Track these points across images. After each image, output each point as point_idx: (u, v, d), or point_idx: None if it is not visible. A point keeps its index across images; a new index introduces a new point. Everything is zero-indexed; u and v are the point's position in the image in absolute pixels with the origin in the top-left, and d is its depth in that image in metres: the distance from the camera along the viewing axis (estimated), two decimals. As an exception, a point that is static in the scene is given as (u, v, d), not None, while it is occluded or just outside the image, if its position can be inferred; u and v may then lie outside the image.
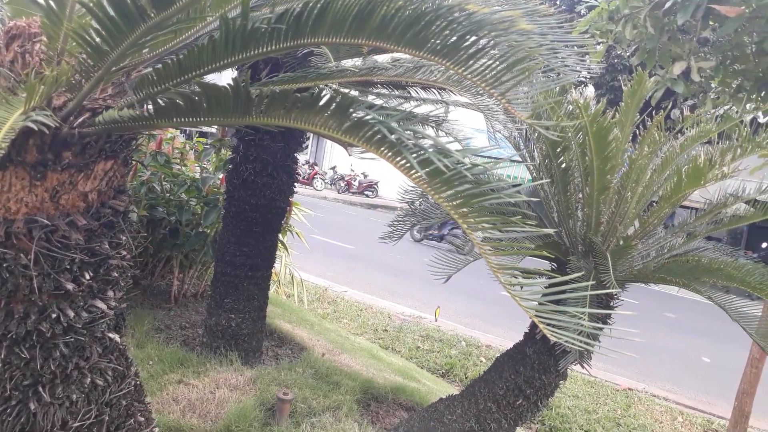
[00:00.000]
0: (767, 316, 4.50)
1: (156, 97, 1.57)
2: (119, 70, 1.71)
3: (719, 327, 10.78)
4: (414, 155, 1.03)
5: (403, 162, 1.10)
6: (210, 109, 1.43)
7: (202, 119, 1.51)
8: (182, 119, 1.55)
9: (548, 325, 1.15)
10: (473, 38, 1.18)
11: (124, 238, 1.79)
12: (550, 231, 1.17)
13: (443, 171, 1.02)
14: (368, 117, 1.06)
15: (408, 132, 1.04)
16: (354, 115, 1.08)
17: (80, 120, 1.64)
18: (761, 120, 6.71)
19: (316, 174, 25.64)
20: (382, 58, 3.35)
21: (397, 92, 4.08)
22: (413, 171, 1.10)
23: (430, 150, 1.02)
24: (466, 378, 6.23)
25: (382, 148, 1.11)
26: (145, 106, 1.60)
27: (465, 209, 1.09)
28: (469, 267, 3.83)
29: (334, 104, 1.10)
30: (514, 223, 1.06)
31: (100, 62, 1.58)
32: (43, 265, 1.54)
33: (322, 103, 1.11)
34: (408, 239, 15.13)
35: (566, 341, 1.13)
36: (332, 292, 8.76)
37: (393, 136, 1.04)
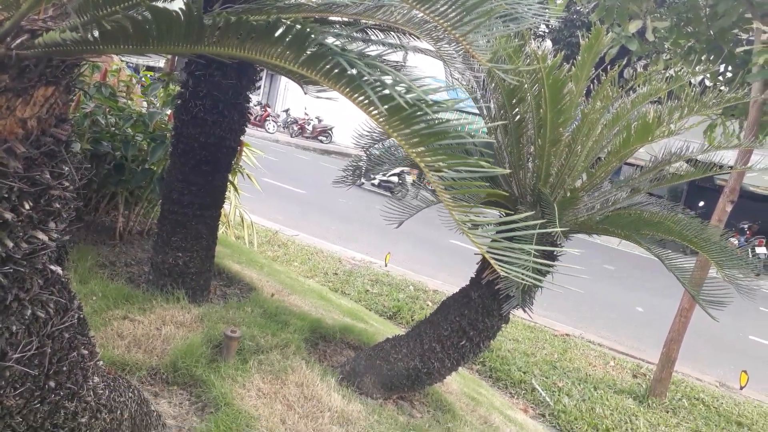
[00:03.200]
0: (699, 268, 4.77)
1: (101, 20, 1.48)
2: (61, -12, 1.60)
3: (654, 280, 11.36)
4: (374, 91, 1.02)
5: (362, 98, 1.08)
6: (160, 35, 1.35)
7: (152, 47, 1.44)
8: (130, 46, 1.47)
9: (498, 260, 1.18)
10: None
11: (66, 168, 1.72)
12: (505, 171, 1.19)
13: (403, 108, 1.01)
14: (327, 49, 1.03)
15: (368, 67, 1.02)
16: (311, 46, 1.05)
17: (18, 41, 1.53)
18: (708, 83, 6.92)
19: (268, 116, 25.05)
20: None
21: (356, 34, 3.98)
22: (372, 108, 1.08)
23: (391, 85, 1.00)
24: (412, 320, 6.40)
25: (341, 83, 1.08)
26: (90, 30, 1.51)
27: (422, 148, 1.08)
28: (420, 216, 3.87)
29: (291, 34, 1.06)
30: (469, 162, 1.07)
31: (39, -22, 1.47)
32: (-22, 193, 1.47)
33: (278, 32, 1.07)
34: (361, 186, 15.16)
35: (514, 276, 1.16)
36: (283, 236, 8.74)
37: (353, 70, 1.02)
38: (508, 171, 1.22)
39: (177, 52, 1.37)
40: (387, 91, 1.01)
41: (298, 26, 1.03)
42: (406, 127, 1.07)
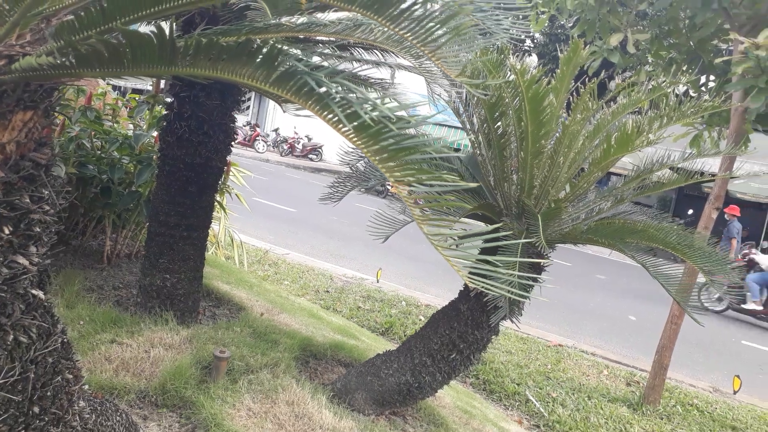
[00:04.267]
0: (687, 275, 4.80)
1: (77, 45, 1.50)
2: (38, 15, 1.62)
3: (646, 288, 11.39)
4: (341, 108, 1.04)
5: (331, 116, 1.10)
6: (134, 58, 1.38)
7: (127, 69, 1.46)
8: (106, 69, 1.49)
9: (477, 275, 1.19)
10: (405, -6, 1.18)
11: (46, 192, 1.73)
12: (473, 185, 1.20)
13: (370, 125, 1.03)
14: (296, 69, 1.05)
15: (336, 86, 1.04)
16: (281, 66, 1.07)
17: (-4, 67, 1.55)
18: (692, 94, 7.02)
19: (258, 136, 25.11)
20: (323, 17, 3.29)
21: (341, 53, 4.02)
22: (342, 125, 1.10)
23: (357, 103, 1.02)
24: (404, 336, 6.38)
25: (311, 101, 1.10)
26: (66, 54, 1.53)
27: (392, 163, 1.10)
28: (410, 232, 3.88)
29: (261, 55, 1.08)
30: (439, 177, 1.09)
31: (15, 5, 1.50)
32: (-43, 219, 1.48)
33: (248, 53, 1.10)
34: (350, 202, 15.21)
35: (484, 288, 1.18)
36: (273, 255, 8.72)
37: (321, 89, 1.04)
38: (476, 185, 1.23)
39: (152, 74, 1.39)
40: (353, 109, 1.03)
41: (267, 48, 1.06)
42: (374, 143, 1.09)
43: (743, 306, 10.57)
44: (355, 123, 1.04)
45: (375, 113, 1.01)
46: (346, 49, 4.05)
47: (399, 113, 1.14)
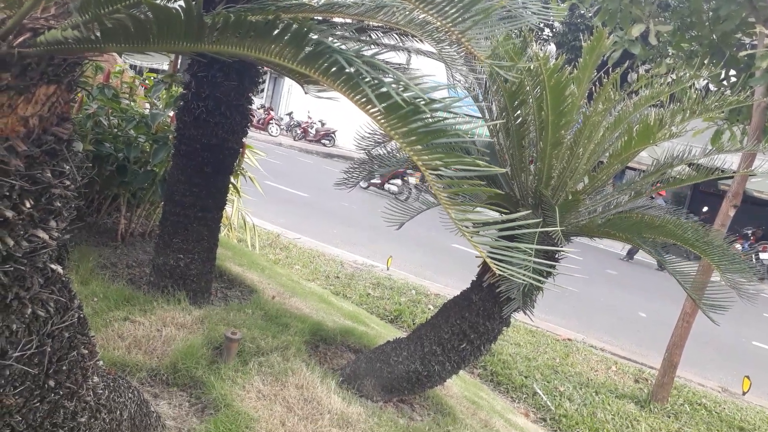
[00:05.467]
0: (702, 272, 4.75)
1: (103, 19, 1.48)
2: (63, -13, 1.61)
3: (657, 285, 11.33)
4: (371, 88, 1.02)
5: (360, 96, 1.08)
6: (160, 33, 1.36)
7: (153, 45, 1.44)
8: (131, 44, 1.47)
9: (496, 260, 1.17)
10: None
11: (67, 167, 1.72)
12: (502, 170, 1.19)
13: (401, 106, 1.01)
14: (326, 47, 1.03)
15: (366, 65, 1.02)
16: (310, 44, 1.05)
17: (20, 39, 1.54)
18: (712, 87, 6.91)
19: (271, 119, 25.08)
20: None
21: (359, 36, 3.99)
22: (370, 106, 1.08)
23: (388, 83, 1.01)
24: (414, 324, 6.39)
25: (339, 81, 1.09)
26: (91, 28, 1.52)
27: (420, 146, 1.08)
28: (422, 219, 3.87)
29: (289, 32, 1.07)
30: (466, 161, 1.07)
31: (41, -23, 1.48)
32: (-22, 191, 1.48)
33: (277, 30, 1.08)
34: (362, 189, 15.28)
35: (510, 275, 1.16)
36: (285, 239, 8.74)
37: (351, 68, 1.02)
38: (504, 170, 1.22)
39: (178, 51, 1.38)
40: (384, 89, 1.01)
41: (296, 24, 1.04)
42: (403, 125, 1.08)
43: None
44: (385, 104, 1.03)
45: (407, 94, 0.99)
46: (365, 32, 4.01)
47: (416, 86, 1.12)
